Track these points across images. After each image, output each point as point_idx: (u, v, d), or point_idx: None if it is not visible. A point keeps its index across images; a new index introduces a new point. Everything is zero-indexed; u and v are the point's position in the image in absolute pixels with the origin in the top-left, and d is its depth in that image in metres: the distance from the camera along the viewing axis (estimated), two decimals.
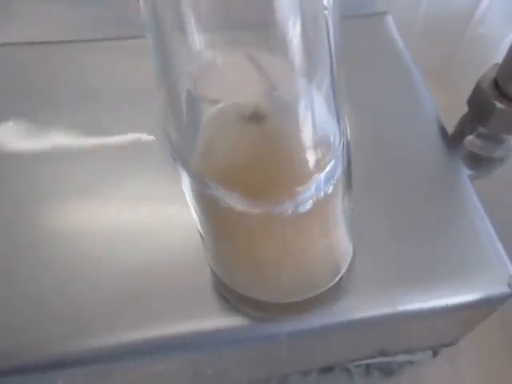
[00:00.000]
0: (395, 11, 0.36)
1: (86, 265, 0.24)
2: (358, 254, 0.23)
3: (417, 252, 0.25)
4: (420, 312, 0.24)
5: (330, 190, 0.16)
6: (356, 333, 0.26)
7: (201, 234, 0.20)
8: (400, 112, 0.30)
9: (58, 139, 0.29)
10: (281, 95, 0.14)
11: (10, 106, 0.30)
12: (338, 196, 0.17)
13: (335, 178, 0.16)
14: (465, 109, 0.28)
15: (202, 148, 0.15)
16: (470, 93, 0.27)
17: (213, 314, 0.23)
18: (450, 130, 0.30)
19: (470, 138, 0.28)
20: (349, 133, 0.17)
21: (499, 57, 0.25)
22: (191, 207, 0.19)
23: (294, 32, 0.12)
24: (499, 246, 0.25)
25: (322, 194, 0.16)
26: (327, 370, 0.34)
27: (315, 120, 0.14)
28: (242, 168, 0.15)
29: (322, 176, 0.15)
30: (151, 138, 0.28)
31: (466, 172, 0.28)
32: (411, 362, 0.35)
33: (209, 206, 0.17)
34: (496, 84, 0.25)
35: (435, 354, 0.33)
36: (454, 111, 0.30)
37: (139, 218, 0.26)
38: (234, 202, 0.15)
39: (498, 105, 0.25)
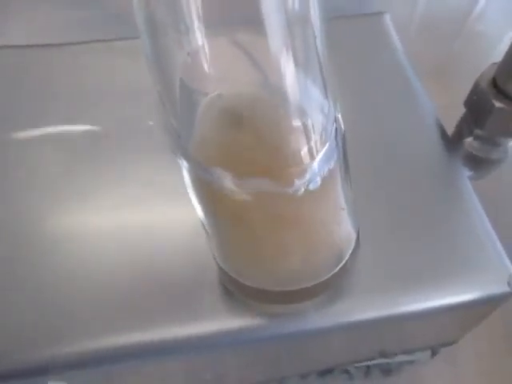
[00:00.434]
0: (393, 11, 0.36)
1: (85, 265, 0.24)
2: (357, 255, 0.23)
3: (416, 252, 0.25)
4: (420, 312, 0.24)
5: (327, 173, 0.16)
6: (356, 334, 0.26)
7: (204, 227, 0.20)
8: (398, 112, 0.30)
9: (58, 140, 0.29)
10: (272, 83, 0.14)
11: (9, 107, 0.30)
12: (336, 180, 0.18)
13: (331, 161, 0.16)
14: (463, 108, 0.28)
15: (199, 136, 0.15)
16: (468, 92, 0.27)
17: (212, 316, 0.23)
18: (450, 129, 0.30)
19: (468, 139, 0.28)
20: (342, 119, 0.17)
21: (498, 55, 0.25)
22: (193, 200, 0.19)
23: (279, 14, 0.12)
24: (499, 245, 0.25)
25: (319, 178, 0.16)
26: (326, 371, 0.34)
27: (305, 104, 0.15)
28: (238, 154, 0.15)
29: (317, 159, 0.16)
30: (151, 136, 0.28)
31: (465, 173, 0.28)
32: (410, 362, 0.34)
33: (209, 194, 0.17)
34: (495, 83, 0.25)
35: (434, 353, 0.33)
36: (453, 111, 0.30)
37: (140, 216, 0.26)
38: (233, 186, 0.16)
39: (497, 104, 0.24)
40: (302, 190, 0.16)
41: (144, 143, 0.28)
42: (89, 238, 0.25)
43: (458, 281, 0.24)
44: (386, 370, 0.35)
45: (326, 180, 0.17)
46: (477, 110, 0.26)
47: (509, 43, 0.24)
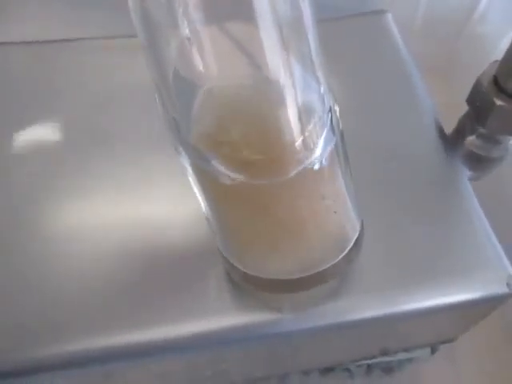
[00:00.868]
0: (395, 9, 0.36)
1: (85, 262, 0.24)
2: (357, 255, 0.23)
3: (415, 252, 0.25)
4: (419, 312, 0.24)
5: (325, 160, 0.17)
6: (356, 332, 0.26)
7: (208, 220, 0.20)
8: (399, 111, 0.30)
9: (57, 137, 0.29)
10: (265, 73, 0.14)
11: (8, 105, 0.30)
12: (335, 167, 0.18)
13: (328, 149, 0.17)
14: (464, 107, 0.28)
15: (197, 128, 0.16)
16: (469, 91, 0.27)
17: (217, 312, 0.23)
18: (449, 128, 0.30)
19: (470, 137, 0.28)
20: (338, 110, 0.18)
21: (499, 54, 0.25)
22: (197, 194, 0.19)
23: (270, 3, 0.12)
24: (498, 246, 0.25)
25: (317, 164, 0.16)
26: (328, 369, 0.34)
27: (300, 94, 0.15)
28: (236, 145, 0.15)
29: (314, 147, 0.16)
30: (151, 135, 0.28)
31: (465, 172, 0.28)
32: (410, 360, 0.34)
33: (211, 185, 0.18)
34: (496, 81, 0.25)
35: (433, 351, 0.33)
36: (454, 110, 0.29)
37: (142, 212, 0.26)
38: (231, 174, 0.16)
39: (498, 102, 0.24)
40: (300, 178, 0.16)
41: (144, 139, 0.28)
42: (89, 236, 0.25)
43: (457, 281, 0.24)
44: (387, 368, 0.35)
45: (325, 166, 0.17)
46: (479, 108, 0.26)
47: (510, 42, 0.23)
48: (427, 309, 0.23)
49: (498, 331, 0.38)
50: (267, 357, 0.28)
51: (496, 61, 0.25)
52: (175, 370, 0.27)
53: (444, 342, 0.31)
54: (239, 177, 0.16)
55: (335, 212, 0.20)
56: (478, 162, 0.28)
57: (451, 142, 0.29)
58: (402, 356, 0.33)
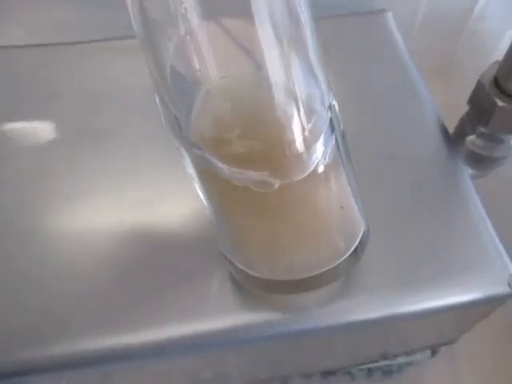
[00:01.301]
0: (395, 8, 0.35)
1: (86, 262, 0.24)
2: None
3: (417, 252, 0.25)
4: (420, 312, 0.24)
5: (325, 159, 0.17)
6: (358, 334, 0.26)
7: (210, 221, 0.20)
8: (400, 110, 0.30)
9: (57, 139, 0.28)
10: (265, 71, 0.14)
11: (9, 107, 0.30)
12: (337, 165, 0.18)
13: (328, 148, 0.17)
14: (465, 106, 0.28)
15: (198, 127, 0.16)
16: (469, 90, 0.27)
17: (215, 314, 0.23)
18: (451, 127, 0.30)
19: (471, 137, 0.28)
20: (337, 105, 0.18)
21: (499, 53, 0.25)
22: (200, 194, 0.19)
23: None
24: (500, 245, 0.25)
25: (318, 163, 0.17)
26: (329, 373, 0.34)
27: (298, 92, 0.15)
28: (235, 144, 0.15)
29: (314, 146, 0.16)
30: (151, 135, 0.28)
31: (467, 171, 0.28)
32: (411, 363, 0.35)
33: (214, 184, 0.18)
34: (496, 82, 0.25)
35: (434, 353, 0.33)
36: (455, 109, 0.29)
37: (144, 213, 0.26)
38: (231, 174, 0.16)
39: (499, 103, 0.24)
40: (300, 176, 0.16)
41: (144, 140, 0.28)
42: (88, 236, 0.25)
43: (459, 281, 0.24)
44: (388, 372, 0.35)
45: (328, 164, 0.17)
46: (480, 109, 0.26)
47: (509, 42, 0.23)
48: (428, 309, 0.23)
49: (499, 334, 0.38)
50: (269, 358, 0.28)
51: (496, 61, 0.25)
52: (176, 371, 0.27)
53: (444, 344, 0.31)
54: (240, 176, 0.16)
55: (340, 209, 0.20)
56: (480, 162, 0.28)
57: (453, 141, 0.29)
58: (402, 360, 0.33)
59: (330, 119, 0.17)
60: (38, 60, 0.32)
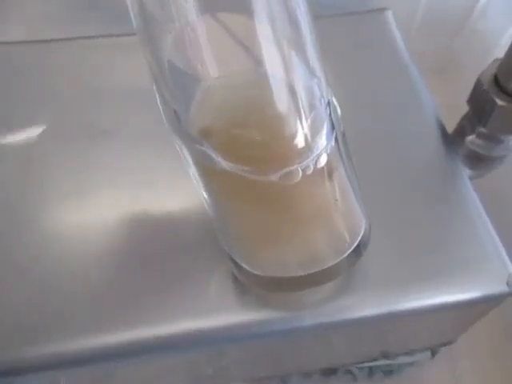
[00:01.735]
0: (395, 7, 0.35)
1: (85, 259, 0.24)
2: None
3: (416, 251, 0.25)
4: (419, 310, 0.24)
5: (328, 154, 0.17)
6: (357, 331, 0.26)
7: (212, 218, 0.20)
8: (399, 109, 0.30)
9: (57, 135, 0.28)
10: (264, 67, 0.14)
11: (7, 103, 0.30)
12: (338, 161, 0.18)
13: (328, 145, 0.17)
14: (465, 106, 0.28)
15: (198, 123, 0.16)
16: (469, 89, 0.27)
17: (215, 312, 0.23)
18: (451, 127, 0.30)
19: (470, 137, 0.28)
20: (337, 105, 0.18)
21: (499, 52, 0.25)
22: (200, 191, 0.19)
23: None
24: (499, 244, 0.25)
25: (318, 159, 0.17)
26: (330, 371, 0.34)
27: (296, 87, 0.15)
28: (236, 141, 0.16)
29: (313, 142, 0.16)
30: (152, 131, 0.28)
31: (466, 171, 0.28)
32: (411, 363, 0.35)
33: (215, 180, 0.18)
34: (496, 81, 0.25)
35: (434, 354, 0.33)
36: (454, 108, 0.29)
37: (144, 209, 0.26)
38: (236, 169, 0.16)
39: (499, 102, 0.24)
40: (300, 173, 0.16)
41: (144, 136, 0.28)
42: (88, 234, 0.25)
43: (457, 280, 0.24)
44: (388, 372, 0.35)
45: (328, 161, 0.17)
46: (479, 108, 0.26)
47: (510, 41, 0.23)
48: (427, 308, 0.24)
49: (499, 333, 0.38)
50: (269, 356, 0.28)
51: (496, 60, 0.25)
52: (177, 368, 0.27)
53: (443, 345, 0.31)
54: (240, 171, 0.16)
55: (335, 201, 0.20)
56: (479, 161, 0.28)
57: (452, 140, 0.29)
58: (403, 360, 0.33)
59: (330, 115, 0.17)
60: (37, 56, 0.32)
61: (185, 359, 0.25)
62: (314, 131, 0.16)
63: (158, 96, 0.16)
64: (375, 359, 0.32)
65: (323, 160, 0.17)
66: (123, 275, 0.24)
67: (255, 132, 0.15)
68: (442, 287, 0.24)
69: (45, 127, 0.29)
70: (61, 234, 0.25)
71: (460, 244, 0.25)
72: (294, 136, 0.16)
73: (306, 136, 0.16)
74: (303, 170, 0.17)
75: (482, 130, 0.27)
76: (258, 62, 0.14)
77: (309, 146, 0.16)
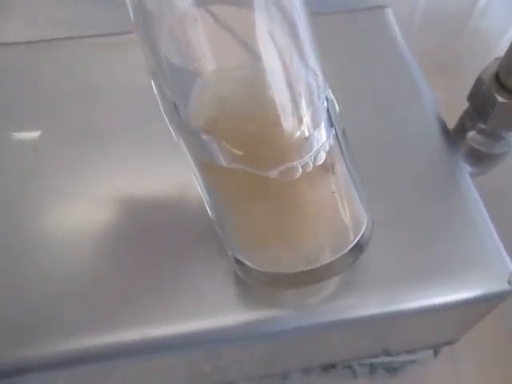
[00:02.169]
0: (395, 5, 0.35)
1: (84, 260, 0.24)
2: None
3: (417, 250, 0.25)
4: (420, 310, 0.24)
5: (328, 147, 0.17)
6: (357, 331, 0.26)
7: (211, 215, 0.20)
8: (400, 106, 0.30)
9: (56, 135, 0.28)
10: (260, 62, 0.14)
11: (7, 104, 0.30)
12: (338, 156, 0.18)
13: (328, 138, 0.17)
14: (465, 103, 0.28)
15: (197, 116, 0.16)
16: (470, 86, 0.27)
17: (217, 311, 0.23)
18: (451, 124, 0.30)
19: (471, 133, 0.28)
20: (335, 99, 0.18)
21: (500, 50, 0.25)
22: (200, 188, 0.19)
23: None
24: (499, 242, 0.25)
25: (320, 152, 0.17)
26: (330, 367, 0.34)
27: (293, 80, 0.15)
28: (236, 132, 0.16)
29: (313, 133, 0.16)
30: (151, 130, 0.28)
31: (467, 168, 0.28)
32: (413, 362, 0.35)
33: (213, 175, 0.18)
34: (497, 78, 0.25)
35: (436, 352, 0.33)
36: (455, 105, 0.29)
37: (143, 210, 0.26)
38: (236, 165, 0.16)
39: (500, 99, 0.24)
40: (300, 170, 0.16)
41: (144, 136, 0.28)
42: (88, 235, 0.25)
43: (458, 278, 0.24)
44: (391, 369, 0.35)
45: (327, 156, 0.17)
46: (480, 105, 0.26)
47: (511, 39, 0.23)
48: (428, 307, 0.23)
49: (501, 332, 0.38)
50: (270, 354, 0.28)
51: (497, 58, 0.25)
52: (176, 366, 0.27)
53: (445, 344, 0.31)
54: (240, 165, 0.16)
55: (341, 203, 0.20)
56: (480, 159, 0.28)
57: (453, 137, 0.29)
58: (405, 358, 0.33)
59: (328, 111, 0.17)
60: (38, 56, 0.32)
61: (184, 358, 0.25)
62: (313, 125, 0.16)
63: (156, 91, 0.16)
64: (376, 356, 0.32)
65: (322, 156, 0.17)
66: (123, 275, 0.24)
67: (254, 125, 0.15)
68: (442, 286, 0.24)
69: (45, 127, 0.29)
70: (60, 233, 0.25)
71: (461, 242, 0.25)
72: (291, 129, 0.16)
73: (304, 130, 0.16)
74: (303, 167, 0.17)
75: (483, 126, 0.27)
76: (254, 55, 0.14)
77: (307, 141, 0.16)
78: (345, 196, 0.20)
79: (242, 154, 0.16)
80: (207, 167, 0.18)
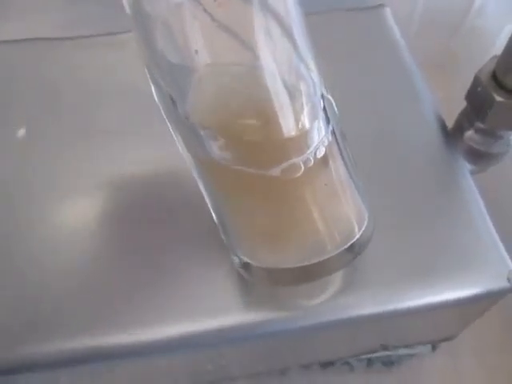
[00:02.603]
0: (393, 4, 0.35)
1: (84, 260, 0.24)
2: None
3: (416, 248, 0.25)
4: (420, 307, 0.24)
5: (326, 143, 0.17)
6: (357, 329, 0.26)
7: (212, 213, 0.21)
8: (398, 105, 0.30)
9: (56, 135, 0.28)
10: (255, 58, 0.14)
11: (7, 102, 0.30)
12: (336, 153, 0.18)
13: (325, 135, 0.17)
14: (463, 102, 0.28)
15: (196, 111, 0.16)
16: (468, 85, 0.27)
17: (218, 311, 0.23)
18: (449, 122, 0.30)
19: (469, 132, 0.28)
20: (330, 96, 0.18)
21: (498, 48, 0.25)
22: (199, 186, 0.19)
23: None
24: (499, 241, 0.25)
25: (318, 149, 0.17)
26: (328, 363, 0.34)
27: (288, 76, 0.15)
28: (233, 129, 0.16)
29: (307, 127, 0.16)
30: (151, 130, 0.28)
31: (466, 167, 0.28)
32: (411, 356, 0.35)
33: (212, 173, 0.18)
34: (495, 77, 0.25)
35: (434, 347, 0.33)
36: (453, 104, 0.29)
37: (142, 209, 0.26)
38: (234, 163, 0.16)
39: (497, 98, 0.24)
40: (302, 167, 0.17)
41: (144, 135, 0.28)
42: (88, 234, 0.25)
43: (458, 276, 0.24)
44: (387, 363, 0.35)
45: (325, 152, 0.17)
46: (478, 104, 0.26)
47: (508, 37, 0.23)
48: (428, 305, 0.24)
49: (499, 326, 0.39)
50: (269, 352, 0.28)
51: (494, 56, 0.25)
52: (176, 366, 0.27)
53: (443, 340, 0.31)
54: (240, 165, 0.16)
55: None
56: (479, 157, 0.28)
57: (451, 136, 0.29)
58: (402, 352, 0.33)
59: (324, 108, 0.17)
60: (36, 54, 0.32)
61: (186, 358, 0.25)
62: (310, 120, 0.16)
63: (152, 84, 0.16)
64: (375, 352, 0.32)
65: (322, 151, 0.17)
66: (123, 275, 0.24)
67: (253, 121, 0.16)
68: (442, 284, 0.24)
69: (44, 126, 0.29)
70: (58, 234, 0.25)
71: (460, 240, 0.25)
72: (290, 124, 0.16)
73: (302, 125, 0.16)
74: (304, 163, 0.17)
75: (481, 125, 0.27)
76: (251, 50, 0.14)
77: (307, 136, 0.16)
78: (344, 193, 0.20)
79: (241, 151, 0.16)
80: (206, 166, 0.18)
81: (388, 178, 0.27)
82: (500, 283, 0.24)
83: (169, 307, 0.23)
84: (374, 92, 0.31)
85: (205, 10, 0.13)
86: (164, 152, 0.25)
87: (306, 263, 0.21)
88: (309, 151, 0.17)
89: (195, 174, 0.19)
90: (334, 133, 0.18)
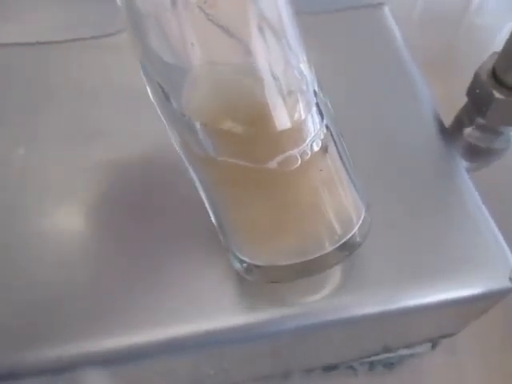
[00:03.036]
0: (392, 2, 0.35)
1: (83, 260, 0.24)
2: (358, 250, 0.23)
3: (416, 247, 0.24)
4: (421, 307, 0.23)
5: (322, 138, 0.17)
6: (359, 329, 0.26)
7: (209, 213, 0.21)
8: (397, 104, 0.30)
9: (54, 136, 0.28)
10: (250, 56, 0.15)
11: (5, 105, 0.30)
12: (331, 149, 0.18)
13: (319, 131, 0.17)
14: (463, 99, 0.28)
15: (191, 108, 0.16)
16: (468, 83, 0.27)
17: (216, 313, 0.23)
18: (448, 121, 0.30)
19: (468, 129, 0.27)
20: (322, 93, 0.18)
21: (497, 46, 0.25)
22: (197, 184, 0.19)
23: None
24: (500, 239, 0.25)
25: (312, 145, 0.17)
26: (331, 367, 0.34)
27: (279, 72, 0.15)
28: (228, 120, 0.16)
29: (300, 122, 0.16)
30: (149, 130, 0.28)
31: (463, 165, 0.28)
32: (411, 355, 0.35)
33: (209, 171, 0.18)
34: (494, 74, 0.25)
35: (434, 346, 0.33)
36: (452, 102, 0.29)
37: (142, 209, 0.26)
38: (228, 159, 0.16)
39: (497, 95, 0.24)
40: (299, 159, 0.17)
41: (143, 135, 0.28)
42: (88, 235, 0.25)
43: (459, 276, 0.24)
44: (388, 364, 0.35)
45: (320, 148, 0.17)
46: (478, 101, 0.26)
47: (507, 34, 0.23)
48: (429, 304, 0.23)
49: (500, 324, 0.38)
50: (271, 355, 0.28)
51: (494, 53, 0.25)
52: (177, 368, 0.27)
53: (445, 337, 0.31)
54: (236, 159, 0.16)
55: (336, 194, 0.20)
56: (478, 154, 0.28)
57: (450, 134, 0.29)
58: (403, 352, 0.33)
59: (317, 105, 0.17)
60: (36, 58, 0.32)
61: (186, 360, 0.25)
62: (304, 113, 0.16)
63: (148, 86, 0.16)
64: (377, 354, 0.32)
65: (319, 143, 0.17)
66: (122, 277, 0.24)
67: (246, 115, 0.16)
68: (442, 283, 0.24)
69: (43, 128, 0.29)
70: (59, 234, 0.25)
71: (460, 239, 0.25)
72: (284, 117, 0.16)
73: (296, 118, 0.16)
74: (301, 155, 0.17)
75: (482, 121, 0.26)
76: (244, 47, 0.14)
77: (300, 130, 0.16)
78: (340, 188, 0.20)
79: (237, 145, 0.16)
80: (203, 162, 0.18)
81: (385, 176, 0.27)
82: (502, 283, 0.24)
83: (167, 308, 0.23)
84: (372, 90, 0.31)
85: (198, 8, 0.13)
86: (161, 152, 0.25)
87: (305, 258, 0.21)
88: (305, 144, 0.17)
89: (191, 172, 0.19)
90: (328, 128, 0.18)
